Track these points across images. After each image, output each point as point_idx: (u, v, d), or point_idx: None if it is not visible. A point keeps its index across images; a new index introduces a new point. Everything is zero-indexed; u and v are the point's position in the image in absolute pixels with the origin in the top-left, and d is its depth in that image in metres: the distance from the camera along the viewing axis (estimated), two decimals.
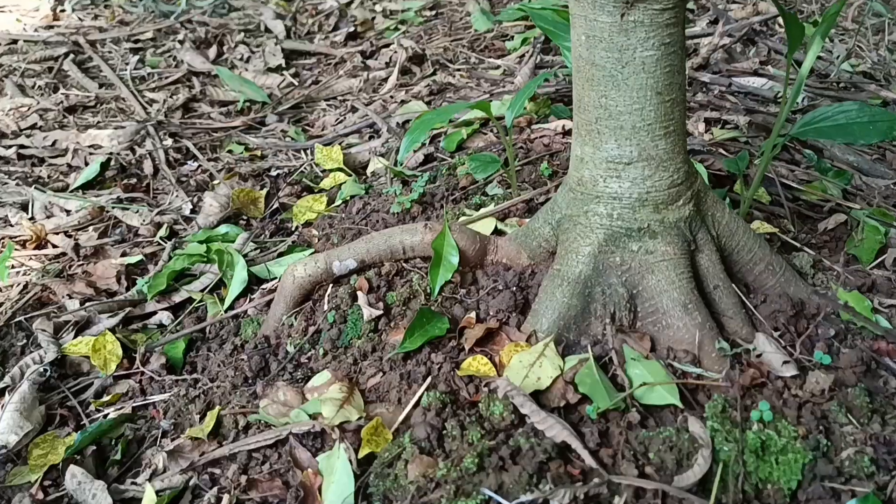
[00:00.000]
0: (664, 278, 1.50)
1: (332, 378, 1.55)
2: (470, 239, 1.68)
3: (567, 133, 2.50)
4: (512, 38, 3.76)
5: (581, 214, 1.53)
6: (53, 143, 3.05)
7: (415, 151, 2.63)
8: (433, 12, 4.39)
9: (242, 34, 4.27)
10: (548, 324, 1.51)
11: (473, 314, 1.59)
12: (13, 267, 2.28)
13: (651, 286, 1.50)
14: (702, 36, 3.36)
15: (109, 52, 3.98)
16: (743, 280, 1.63)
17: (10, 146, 3.02)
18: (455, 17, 4.22)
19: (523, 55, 3.54)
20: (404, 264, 1.75)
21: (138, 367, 1.86)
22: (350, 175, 2.62)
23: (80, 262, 2.31)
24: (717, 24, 3.43)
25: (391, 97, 3.35)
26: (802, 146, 2.49)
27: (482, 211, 1.92)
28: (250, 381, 1.66)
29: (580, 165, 1.53)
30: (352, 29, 4.27)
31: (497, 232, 1.84)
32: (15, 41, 4.01)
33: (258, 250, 2.28)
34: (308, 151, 2.95)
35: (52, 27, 4.22)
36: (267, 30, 4.40)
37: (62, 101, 3.42)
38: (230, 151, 3.07)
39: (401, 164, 2.55)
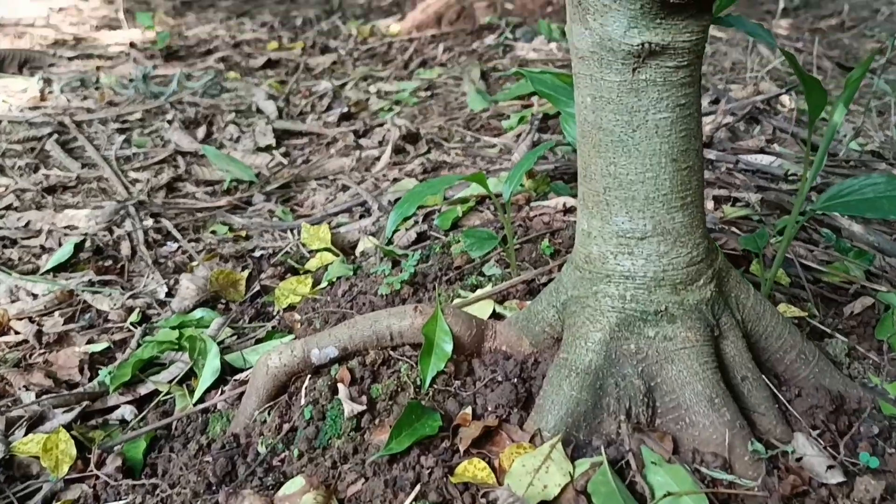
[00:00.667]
0: (686, 368, 1.31)
1: (306, 485, 1.34)
2: (465, 323, 1.50)
3: (568, 211, 2.35)
4: (508, 117, 3.67)
5: (590, 296, 1.36)
6: (27, 224, 2.90)
7: (407, 230, 2.48)
8: (428, 93, 4.33)
9: (233, 114, 4.18)
10: (554, 421, 1.32)
11: (469, 410, 1.40)
12: None
13: (671, 378, 1.32)
14: (704, 115, 3.27)
15: (95, 133, 3.88)
16: (773, 370, 1.45)
17: None
18: (450, 98, 4.15)
19: (520, 134, 3.44)
20: (391, 352, 1.57)
21: (93, 470, 1.65)
22: (338, 255, 2.46)
23: (42, 351, 2.13)
24: (719, 103, 3.35)
25: (384, 175, 3.22)
26: (819, 225, 2.34)
27: (479, 292, 1.75)
28: (214, 488, 1.45)
29: (587, 241, 1.37)
30: (345, 109, 4.19)
31: (495, 316, 1.66)
32: None
33: (235, 336, 2.09)
34: (295, 231, 2.80)
35: (38, 108, 4.14)
36: (259, 110, 4.32)
37: (42, 182, 3.29)
38: (213, 232, 2.92)
39: (389, 240, 2.39)
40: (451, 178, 1.67)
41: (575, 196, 2.59)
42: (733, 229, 2.20)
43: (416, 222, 2.49)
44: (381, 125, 3.87)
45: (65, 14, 6.53)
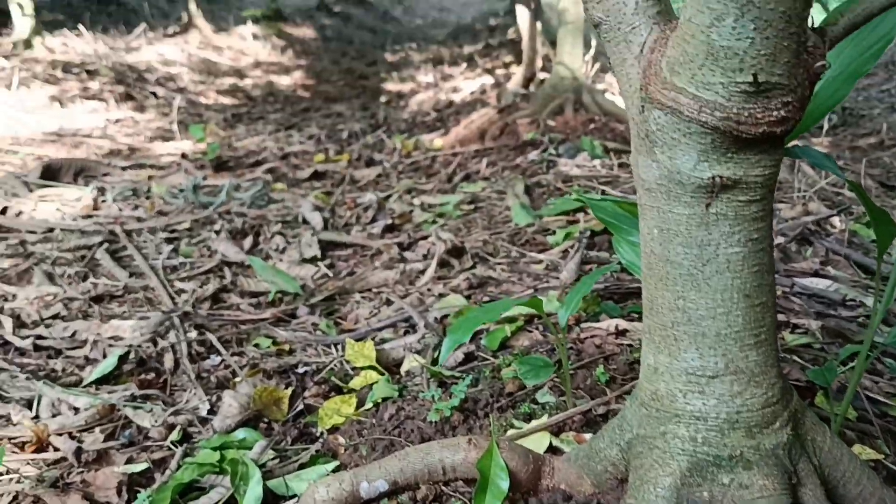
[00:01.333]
0: None
1: None
2: (521, 459, 1.43)
3: (620, 334, 2.29)
4: (553, 232, 3.65)
5: (657, 436, 1.29)
6: (73, 335, 2.91)
7: (453, 351, 2.43)
8: (472, 206, 4.36)
9: (280, 225, 4.24)
10: None
11: None
12: (6, 473, 2.05)
13: None
14: None
15: (144, 242, 3.94)
16: None
17: (28, 336, 2.87)
18: (494, 211, 4.17)
19: (566, 250, 3.42)
20: (444, 487, 1.49)
21: None
22: (383, 374, 2.41)
23: (81, 469, 2.07)
24: None
25: (428, 290, 3.20)
26: (883, 354, 2.25)
27: (534, 423, 1.68)
28: None
29: (654, 377, 1.31)
30: (389, 221, 4.23)
31: (552, 450, 1.58)
32: (51, 230, 4.00)
33: (277, 459, 2.02)
34: (339, 347, 2.77)
35: (90, 216, 4.24)
36: (304, 221, 4.38)
37: (89, 291, 3.32)
38: (257, 345, 2.89)
39: (435, 359, 2.34)
40: (507, 302, 1.63)
41: (625, 317, 2.54)
42: (795, 358, 2.11)
43: (464, 342, 2.44)
44: (425, 238, 3.88)
45: (121, 125, 6.80)
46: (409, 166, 5.52)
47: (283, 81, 10.38)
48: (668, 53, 1.14)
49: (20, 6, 7.73)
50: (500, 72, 9.38)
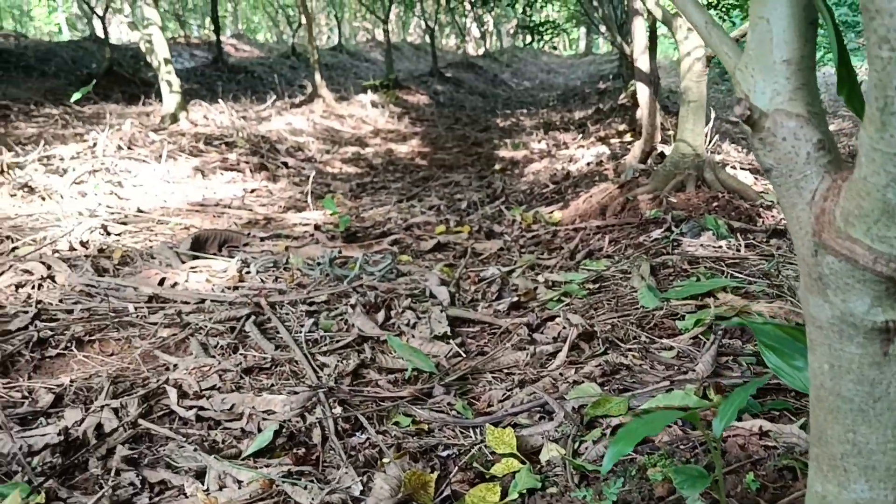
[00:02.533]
0: None
1: None
2: None
3: (764, 435, 2.31)
4: (683, 317, 3.68)
5: None
6: (231, 407, 3.14)
7: (594, 441, 2.50)
8: (596, 285, 4.43)
9: (409, 299, 4.43)
10: None
11: None
12: None
13: None
14: None
15: (286, 314, 4.20)
16: None
17: (191, 407, 3.12)
18: (620, 292, 4.22)
19: (696, 336, 3.44)
20: None
21: None
22: (524, 462, 2.50)
23: None
24: None
25: (561, 374, 3.28)
26: None
27: None
28: None
29: None
30: (514, 299, 4.35)
31: None
32: (203, 300, 4.32)
33: None
34: (477, 430, 2.87)
35: (236, 288, 4.55)
36: (432, 295, 4.55)
37: (240, 363, 3.57)
38: (397, 423, 3.04)
39: (575, 451, 2.41)
40: (668, 415, 1.70)
41: (765, 415, 2.55)
42: None
43: (604, 434, 2.51)
44: (552, 318, 3.97)
45: (256, 195, 7.26)
46: (530, 240, 5.65)
47: (402, 149, 10.80)
48: (842, 204, 1.22)
49: (169, 84, 8.44)
50: (614, 141, 9.48)
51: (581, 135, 11.66)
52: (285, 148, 9.01)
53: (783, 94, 1.29)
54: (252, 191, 7.35)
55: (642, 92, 6.51)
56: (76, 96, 7.43)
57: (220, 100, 10.46)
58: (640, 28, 6.34)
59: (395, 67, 18.63)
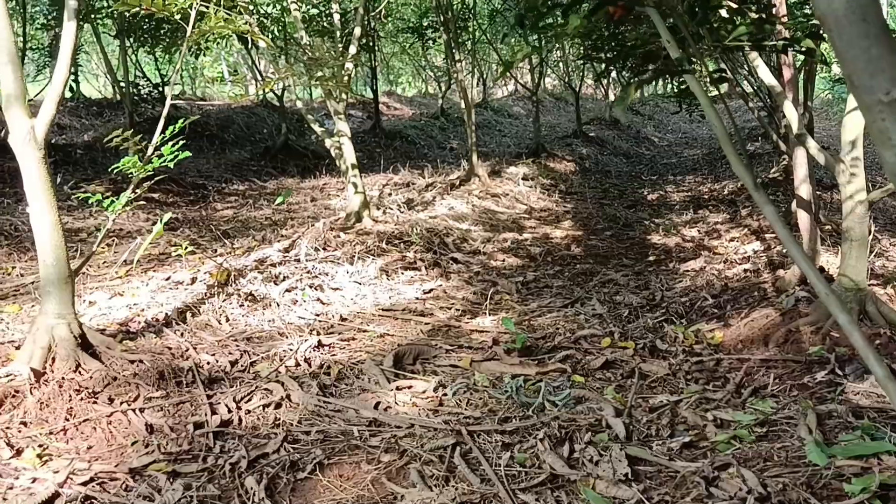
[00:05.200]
0: None
1: None
2: None
3: None
4: (849, 479, 4.05)
5: None
6: None
7: None
8: (763, 429, 4.84)
9: (589, 433, 4.99)
10: None
11: None
12: None
13: None
14: None
15: (484, 444, 4.87)
16: None
17: None
18: (786, 441, 4.62)
19: (861, 502, 3.82)
20: None
21: None
22: None
23: None
24: None
25: None
26: None
27: None
28: None
29: None
30: (687, 439, 4.83)
31: None
32: (412, 425, 5.06)
33: None
34: None
35: (437, 411, 5.27)
36: (607, 425, 5.10)
37: (455, 497, 4.25)
38: None
39: None
40: None
41: None
42: None
43: None
44: (725, 467, 4.43)
45: (434, 295, 8.05)
46: (694, 365, 6.10)
47: (557, 234, 11.42)
48: None
49: (354, 185, 9.45)
50: (769, 236, 9.72)
51: (731, 219, 11.91)
52: (452, 241, 9.81)
53: None
54: (429, 291, 8.14)
55: (802, 218, 6.84)
56: (279, 200, 8.54)
57: (390, 194, 11.43)
58: (801, 159, 6.70)
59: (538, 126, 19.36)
